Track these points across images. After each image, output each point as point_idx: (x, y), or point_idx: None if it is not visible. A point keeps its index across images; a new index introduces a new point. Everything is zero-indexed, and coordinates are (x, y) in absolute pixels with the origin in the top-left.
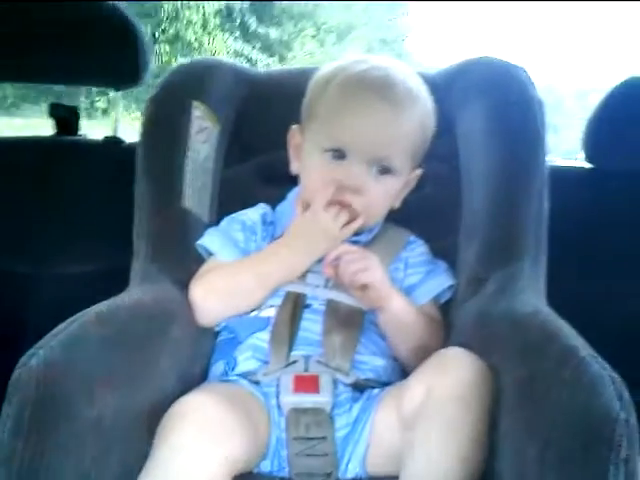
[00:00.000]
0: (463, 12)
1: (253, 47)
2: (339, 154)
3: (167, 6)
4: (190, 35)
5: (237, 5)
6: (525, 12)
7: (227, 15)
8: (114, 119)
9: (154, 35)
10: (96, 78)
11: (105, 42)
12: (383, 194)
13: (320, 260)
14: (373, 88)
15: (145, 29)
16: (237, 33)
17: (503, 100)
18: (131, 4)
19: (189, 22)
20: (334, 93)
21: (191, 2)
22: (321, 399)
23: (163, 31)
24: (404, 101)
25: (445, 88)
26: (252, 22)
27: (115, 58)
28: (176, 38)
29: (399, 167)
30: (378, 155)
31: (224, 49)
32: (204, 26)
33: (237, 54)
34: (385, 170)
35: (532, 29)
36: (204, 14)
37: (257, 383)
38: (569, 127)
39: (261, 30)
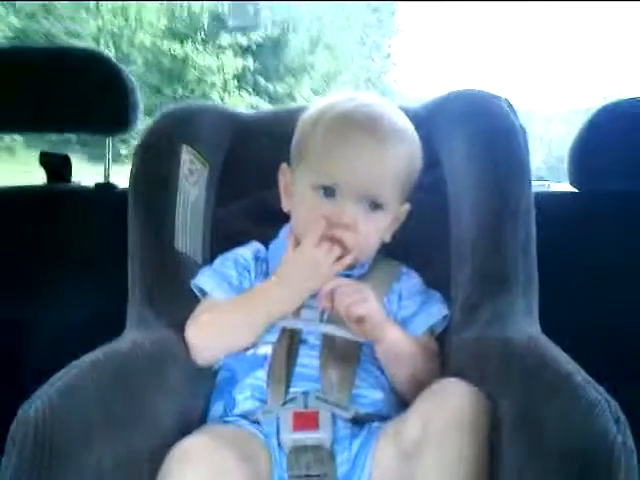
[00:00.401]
0: (442, 44)
1: (264, 100)
2: (329, 191)
3: (194, 71)
4: (214, 94)
5: (250, 67)
6: (490, 41)
7: (242, 76)
8: (106, 165)
9: (184, 96)
10: (86, 125)
11: (94, 90)
12: (373, 229)
13: (314, 295)
14: (361, 126)
15: (175, 91)
16: (250, 90)
17: (486, 130)
18: (158, 70)
19: (212, 84)
20: (322, 131)
21: (214, 67)
22: (321, 436)
23: (192, 91)
24: (391, 138)
25: (429, 121)
26: (261, 80)
27: (104, 105)
28: (203, 97)
29: (388, 202)
30: (368, 192)
31: (241, 103)
32: (224, 87)
33: (252, 107)
34: (375, 206)
35: (498, 58)
36: (224, 77)
37: (257, 422)
38: (534, 151)
39: (270, 85)
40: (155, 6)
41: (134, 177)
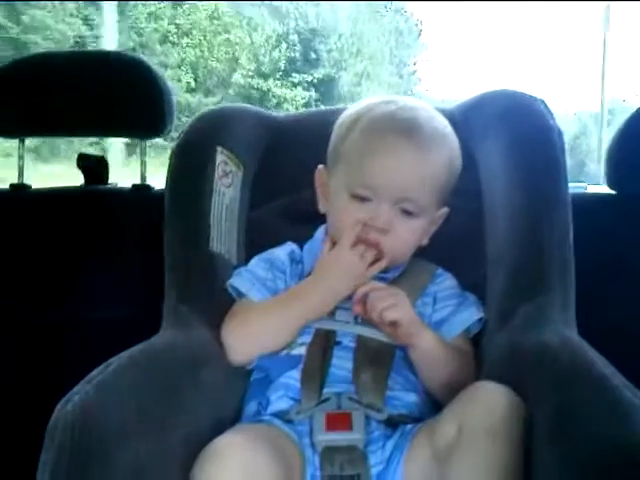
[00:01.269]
0: (463, 53)
1: None
2: (366, 195)
3: (274, 99)
4: None
5: (313, 97)
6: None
7: (308, 104)
8: (142, 167)
9: None
10: (121, 129)
11: (129, 93)
12: (410, 234)
13: (349, 297)
14: (400, 130)
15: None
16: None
17: (523, 132)
18: (248, 98)
19: (287, 109)
20: (360, 135)
21: (288, 97)
22: (354, 437)
23: None
24: (431, 143)
25: (464, 122)
26: (321, 106)
27: (139, 108)
28: None
29: (426, 207)
30: (405, 197)
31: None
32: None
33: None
34: (412, 211)
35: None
36: (296, 105)
37: (290, 422)
38: None
39: None
40: (246, 53)
41: (170, 178)
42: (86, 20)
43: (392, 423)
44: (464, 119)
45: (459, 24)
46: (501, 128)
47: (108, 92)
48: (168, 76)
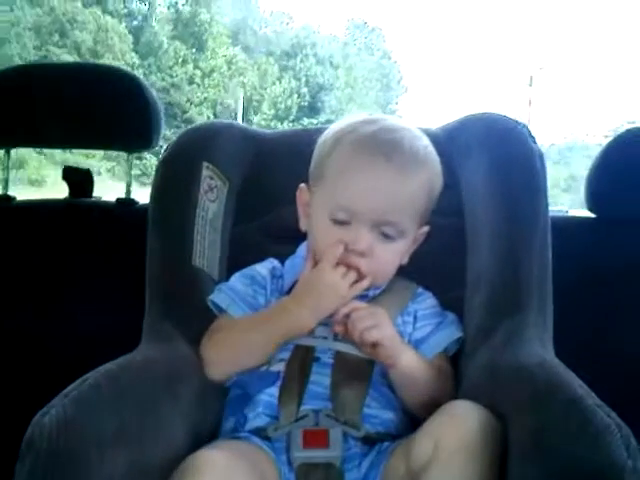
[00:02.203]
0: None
1: None
2: (345, 219)
3: None
4: None
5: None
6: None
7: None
8: (128, 180)
9: None
10: (108, 141)
11: (118, 106)
12: (390, 256)
13: (330, 314)
14: (379, 153)
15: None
16: None
17: (505, 153)
18: None
19: None
20: (341, 156)
21: None
22: (331, 454)
23: None
24: (411, 166)
25: (447, 142)
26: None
27: (127, 121)
28: None
29: (406, 229)
30: (384, 220)
31: None
32: None
33: None
34: (392, 235)
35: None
36: None
37: (267, 439)
38: None
39: None
40: (267, 102)
41: (155, 192)
42: None
43: (369, 440)
44: (448, 139)
45: (433, 71)
46: (483, 149)
47: (96, 105)
48: (193, 112)
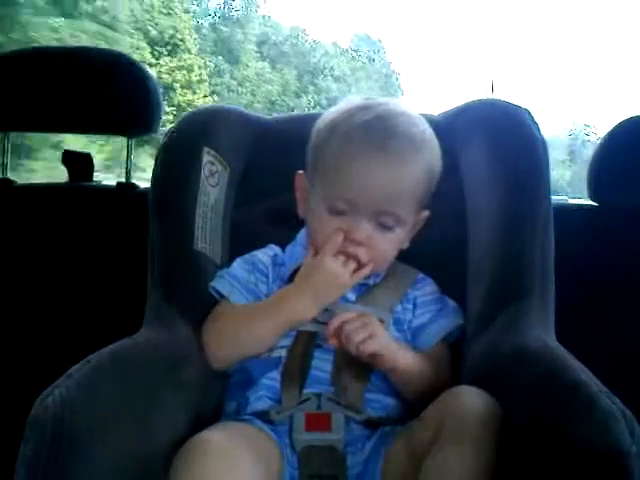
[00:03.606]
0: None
1: None
2: (343, 209)
3: None
4: None
5: None
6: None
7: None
8: (127, 165)
9: None
10: (107, 126)
11: (118, 91)
12: (389, 245)
13: None
14: (376, 143)
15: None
16: None
17: (507, 138)
18: None
19: None
20: (336, 146)
21: None
22: (333, 437)
23: None
24: (408, 153)
25: (448, 127)
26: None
27: (127, 106)
28: None
29: (404, 217)
30: (383, 210)
31: None
32: None
33: None
34: (391, 223)
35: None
36: None
37: (270, 422)
38: None
39: None
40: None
41: (155, 177)
42: None
43: (371, 424)
44: (449, 124)
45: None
46: (485, 135)
47: (95, 89)
48: None
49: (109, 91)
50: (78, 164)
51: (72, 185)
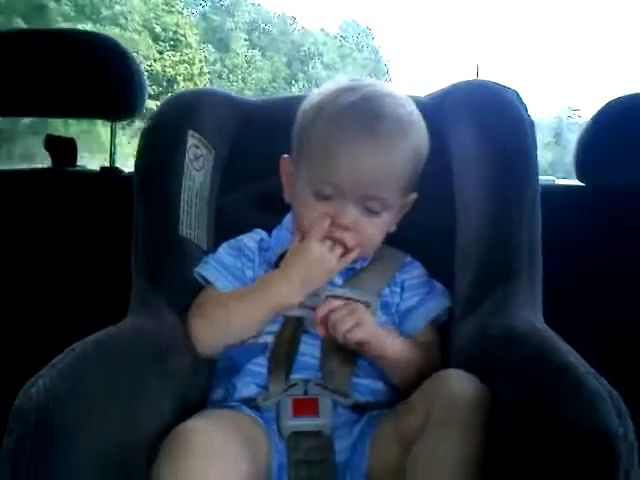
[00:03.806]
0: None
1: None
2: (329, 194)
3: None
4: None
5: None
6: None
7: None
8: (111, 149)
9: None
10: (91, 110)
11: (101, 74)
12: (376, 229)
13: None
14: (362, 124)
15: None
16: None
17: (494, 119)
18: None
19: None
20: (322, 129)
21: None
22: (321, 422)
23: None
24: (395, 135)
25: (435, 107)
26: None
27: (110, 89)
28: None
29: (391, 201)
30: (369, 195)
31: None
32: None
33: None
34: (377, 208)
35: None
36: None
37: (257, 409)
38: None
39: None
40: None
41: (139, 161)
42: None
43: (359, 409)
44: (436, 105)
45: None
46: (473, 115)
47: (79, 72)
48: None
49: (91, 74)
50: (61, 149)
51: (55, 170)
